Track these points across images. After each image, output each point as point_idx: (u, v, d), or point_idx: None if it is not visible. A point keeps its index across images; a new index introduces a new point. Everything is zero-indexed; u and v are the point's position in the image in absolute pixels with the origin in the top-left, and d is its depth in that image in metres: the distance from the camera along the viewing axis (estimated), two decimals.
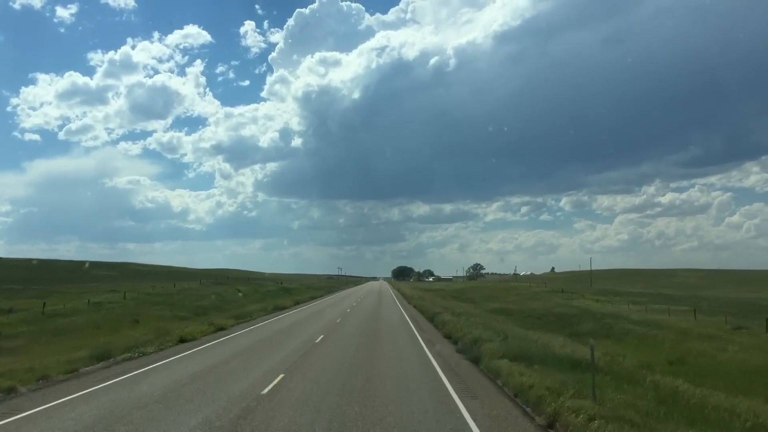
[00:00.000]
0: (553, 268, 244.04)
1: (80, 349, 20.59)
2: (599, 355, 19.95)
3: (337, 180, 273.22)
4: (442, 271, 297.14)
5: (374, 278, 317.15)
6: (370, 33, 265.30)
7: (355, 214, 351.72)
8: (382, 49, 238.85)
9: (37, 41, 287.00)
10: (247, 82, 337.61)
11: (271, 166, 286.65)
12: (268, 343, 22.45)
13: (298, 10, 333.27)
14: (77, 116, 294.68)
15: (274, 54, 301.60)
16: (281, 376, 14.52)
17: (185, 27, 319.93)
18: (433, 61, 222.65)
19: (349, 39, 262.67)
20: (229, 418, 10.25)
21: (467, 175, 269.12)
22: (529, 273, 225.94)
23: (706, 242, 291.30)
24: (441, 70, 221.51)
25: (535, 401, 11.32)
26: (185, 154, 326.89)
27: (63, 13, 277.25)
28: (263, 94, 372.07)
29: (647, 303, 67.62)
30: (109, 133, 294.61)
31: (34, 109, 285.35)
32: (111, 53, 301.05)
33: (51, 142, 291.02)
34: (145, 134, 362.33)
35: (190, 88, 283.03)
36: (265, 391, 12.62)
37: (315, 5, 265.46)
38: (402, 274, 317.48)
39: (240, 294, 66.32)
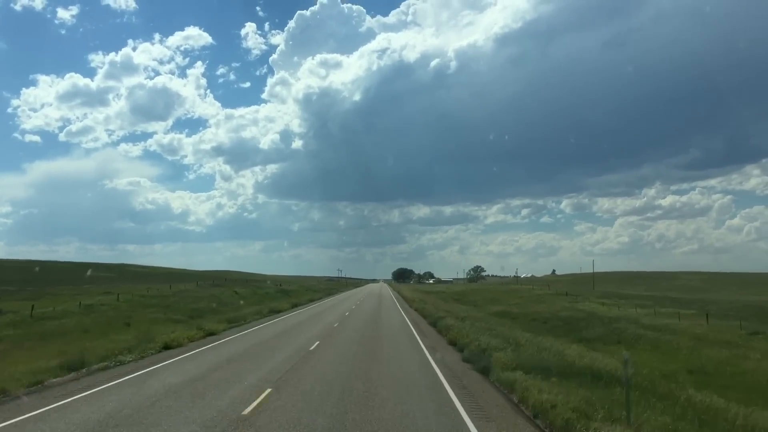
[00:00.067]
0: (554, 271, 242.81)
1: (63, 354, 19.18)
2: (617, 364, 18.32)
3: (337, 182, 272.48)
4: (443, 273, 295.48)
5: (374, 280, 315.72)
6: (370, 35, 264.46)
7: (355, 216, 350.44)
8: (383, 51, 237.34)
9: (37, 43, 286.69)
10: (247, 84, 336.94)
11: (272, 167, 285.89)
12: (258, 350, 20.76)
13: (298, 12, 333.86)
14: (78, 118, 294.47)
15: (274, 56, 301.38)
16: (268, 391, 12.85)
17: (186, 29, 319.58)
18: (433, 63, 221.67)
19: (349, 41, 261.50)
20: None
21: (467, 177, 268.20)
22: (530, 275, 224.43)
23: (706, 245, 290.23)
24: (442, 73, 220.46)
25: (563, 426, 9.66)
26: (186, 156, 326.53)
27: (64, 14, 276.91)
28: (264, 95, 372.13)
29: (653, 306, 65.87)
30: (109, 135, 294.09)
31: (34, 110, 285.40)
32: (112, 55, 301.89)
33: (51, 144, 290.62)
34: (146, 136, 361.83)
35: (190, 90, 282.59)
36: (247, 410, 10.95)
37: (316, 7, 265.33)
38: (402, 276, 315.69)
39: (238, 296, 64.77)
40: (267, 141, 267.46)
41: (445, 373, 15.80)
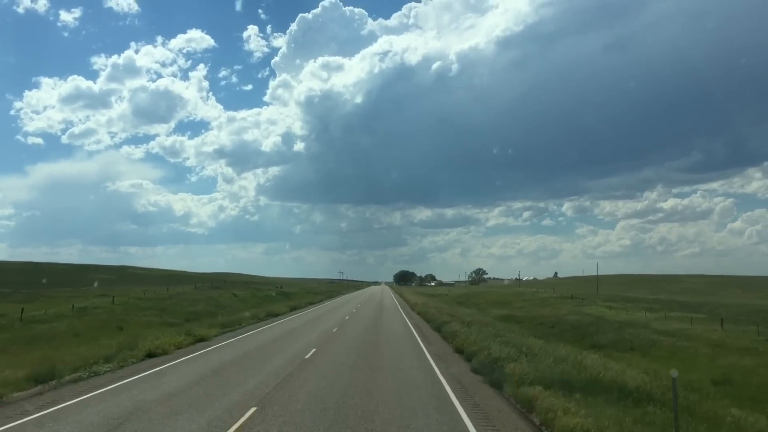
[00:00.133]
0: (556, 273, 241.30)
1: (45, 361, 17.60)
2: (637, 374, 16.65)
3: (339, 184, 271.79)
4: (444, 276, 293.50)
5: (376, 283, 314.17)
6: (372, 38, 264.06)
7: (357, 219, 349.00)
8: (385, 54, 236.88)
9: (40, 45, 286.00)
10: (249, 87, 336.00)
11: (274, 170, 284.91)
12: (248, 359, 19.08)
13: (300, 14, 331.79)
14: (80, 120, 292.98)
15: (276, 58, 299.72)
16: (252, 411, 11.18)
17: (188, 31, 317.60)
18: (435, 66, 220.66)
19: (351, 44, 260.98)
20: None
21: (469, 179, 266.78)
22: (531, 278, 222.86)
23: (708, 248, 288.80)
24: (443, 75, 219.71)
25: None
26: (188, 158, 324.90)
27: (67, 17, 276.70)
28: (266, 98, 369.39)
29: (661, 310, 64.12)
30: (111, 137, 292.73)
31: (37, 112, 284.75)
32: (114, 57, 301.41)
33: (54, 146, 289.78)
34: (148, 138, 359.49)
35: (193, 92, 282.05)
36: None
37: (318, 10, 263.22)
38: (404, 278, 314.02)
39: (236, 299, 63.19)
40: (269, 143, 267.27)
41: (453, 387, 14.13)
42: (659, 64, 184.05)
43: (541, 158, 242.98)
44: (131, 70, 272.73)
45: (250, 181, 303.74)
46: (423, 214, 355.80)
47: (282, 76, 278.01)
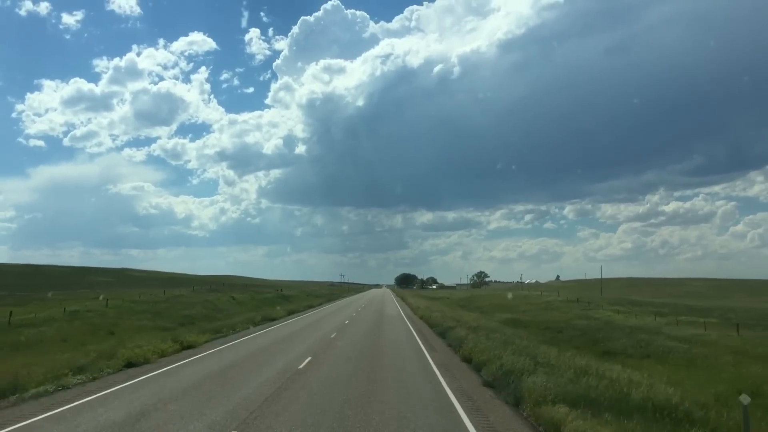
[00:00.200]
0: (558, 276, 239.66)
1: (27, 367, 16.13)
2: (668, 388, 14.93)
3: (340, 187, 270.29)
4: (446, 279, 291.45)
5: (377, 285, 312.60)
6: (374, 41, 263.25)
7: (358, 222, 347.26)
8: (387, 56, 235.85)
9: (42, 48, 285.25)
10: (251, 89, 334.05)
11: (275, 173, 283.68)
12: (236, 370, 17.35)
13: (302, 17, 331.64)
14: (82, 122, 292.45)
15: (278, 61, 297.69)
16: None
17: (190, 34, 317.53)
18: (437, 69, 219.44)
19: (353, 47, 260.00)
20: None
21: (470, 182, 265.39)
22: (534, 281, 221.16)
23: (710, 251, 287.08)
24: (445, 78, 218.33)
25: None
26: (189, 161, 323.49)
27: (68, 19, 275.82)
28: (267, 101, 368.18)
29: (670, 314, 62.29)
30: (113, 140, 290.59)
31: (39, 115, 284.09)
32: (116, 60, 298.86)
33: (56, 148, 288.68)
34: (150, 141, 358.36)
35: (194, 95, 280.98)
36: None
37: (319, 13, 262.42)
38: (405, 281, 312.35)
39: (234, 302, 61.58)
40: (270, 146, 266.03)
41: (464, 406, 12.42)
42: (661, 67, 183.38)
43: (543, 161, 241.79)
44: (133, 72, 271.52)
45: (252, 184, 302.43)
46: (424, 217, 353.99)
47: (284, 79, 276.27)
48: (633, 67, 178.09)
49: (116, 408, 11.84)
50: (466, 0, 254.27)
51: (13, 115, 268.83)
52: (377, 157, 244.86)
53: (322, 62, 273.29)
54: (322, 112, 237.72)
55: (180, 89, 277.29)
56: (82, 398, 12.91)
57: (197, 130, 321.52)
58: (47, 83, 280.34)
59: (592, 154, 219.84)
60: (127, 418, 10.96)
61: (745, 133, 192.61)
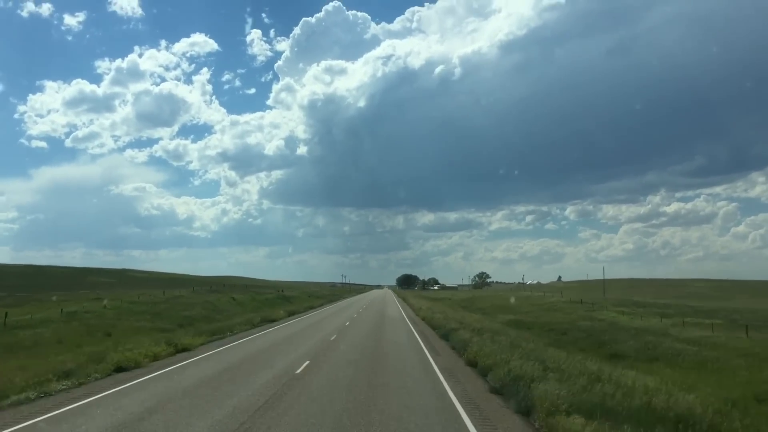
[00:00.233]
0: (559, 277, 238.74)
1: (20, 369, 15.62)
2: (688, 395, 14.09)
3: (342, 188, 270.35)
4: (447, 280, 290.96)
5: (379, 286, 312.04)
6: (375, 42, 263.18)
7: (359, 222, 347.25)
8: (388, 57, 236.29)
9: (44, 49, 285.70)
10: (253, 90, 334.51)
11: (277, 173, 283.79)
12: (230, 375, 16.52)
13: (304, 18, 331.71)
14: (84, 123, 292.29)
15: (280, 62, 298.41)
16: None
17: (192, 35, 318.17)
18: (438, 70, 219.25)
19: (354, 48, 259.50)
20: None
21: (472, 183, 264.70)
22: (535, 282, 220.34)
23: (711, 252, 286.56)
24: (446, 79, 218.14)
25: None
26: (191, 162, 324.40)
27: (71, 21, 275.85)
28: (269, 102, 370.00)
29: (675, 316, 61.38)
30: (115, 141, 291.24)
31: (41, 116, 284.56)
32: (118, 61, 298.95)
33: (58, 149, 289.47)
34: (152, 142, 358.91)
35: (196, 96, 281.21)
36: None
37: (321, 14, 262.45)
38: (407, 282, 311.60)
39: (235, 302, 60.82)
40: (272, 147, 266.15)
41: (471, 414, 11.59)
42: (662, 68, 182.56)
43: (544, 162, 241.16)
44: (135, 73, 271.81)
45: (253, 185, 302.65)
46: (426, 217, 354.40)
47: (285, 80, 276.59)
48: (634, 68, 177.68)
49: (98, 417, 11.04)
50: (468, 1, 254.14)
51: (16, 116, 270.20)
52: (378, 158, 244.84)
53: (324, 63, 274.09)
54: (324, 113, 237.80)
55: (182, 90, 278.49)
56: (64, 407, 12.10)
57: (199, 131, 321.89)
58: (49, 84, 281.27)
59: (594, 154, 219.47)
60: (107, 430, 10.15)
61: (746, 134, 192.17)
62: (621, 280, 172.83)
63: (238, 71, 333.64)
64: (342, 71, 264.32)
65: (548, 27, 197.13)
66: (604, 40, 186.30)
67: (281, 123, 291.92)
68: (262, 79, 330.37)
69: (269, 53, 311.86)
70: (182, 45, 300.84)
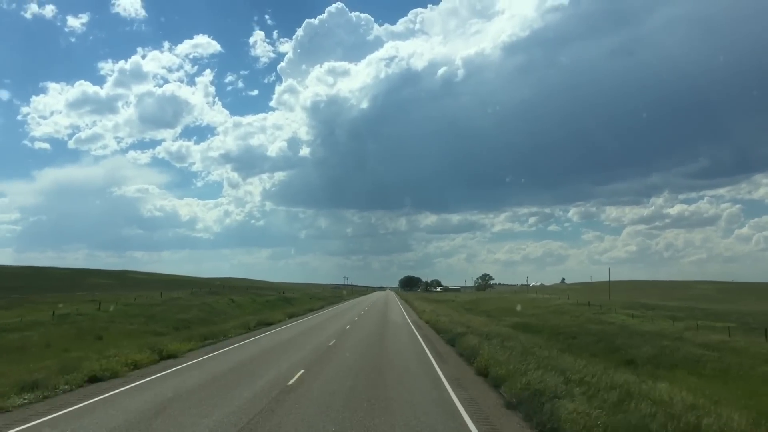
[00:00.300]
0: (563, 279, 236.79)
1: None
2: (732, 414, 12.35)
3: (344, 190, 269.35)
4: (450, 281, 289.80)
5: (381, 288, 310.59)
6: (378, 43, 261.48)
7: (362, 224, 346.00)
8: (391, 59, 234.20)
9: (48, 51, 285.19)
10: (256, 92, 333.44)
11: (279, 175, 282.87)
12: (214, 387, 14.82)
13: (307, 20, 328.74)
14: (87, 125, 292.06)
15: (283, 64, 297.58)
16: None
17: (195, 37, 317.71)
18: (441, 71, 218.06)
19: (357, 49, 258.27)
20: None
21: (475, 185, 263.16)
22: (539, 284, 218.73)
23: (715, 254, 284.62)
24: (449, 81, 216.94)
25: None
26: (194, 163, 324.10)
27: (74, 22, 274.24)
28: (272, 103, 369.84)
29: (686, 319, 59.55)
30: (118, 142, 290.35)
31: (44, 117, 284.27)
32: (121, 63, 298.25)
33: (61, 151, 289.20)
34: (154, 143, 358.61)
35: (199, 98, 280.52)
36: None
37: (324, 15, 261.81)
38: (409, 284, 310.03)
39: (234, 305, 59.26)
40: (275, 148, 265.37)
41: None
42: (666, 70, 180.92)
43: (547, 164, 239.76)
44: (138, 75, 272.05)
45: (256, 186, 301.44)
46: (428, 219, 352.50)
47: (288, 82, 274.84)
48: (637, 69, 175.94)
49: None
50: (471, 2, 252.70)
51: (19, 117, 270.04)
52: (381, 160, 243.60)
53: (327, 65, 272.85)
54: (327, 115, 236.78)
55: (185, 92, 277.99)
56: (17, 425, 10.46)
57: (202, 132, 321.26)
58: (52, 86, 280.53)
59: (597, 156, 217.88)
60: None
61: (749, 136, 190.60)
62: (624, 282, 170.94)
63: (241, 73, 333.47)
64: (345, 73, 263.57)
65: (551, 28, 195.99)
66: (607, 42, 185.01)
67: (284, 124, 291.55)
68: (265, 81, 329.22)
69: (272, 55, 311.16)
70: (185, 46, 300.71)
